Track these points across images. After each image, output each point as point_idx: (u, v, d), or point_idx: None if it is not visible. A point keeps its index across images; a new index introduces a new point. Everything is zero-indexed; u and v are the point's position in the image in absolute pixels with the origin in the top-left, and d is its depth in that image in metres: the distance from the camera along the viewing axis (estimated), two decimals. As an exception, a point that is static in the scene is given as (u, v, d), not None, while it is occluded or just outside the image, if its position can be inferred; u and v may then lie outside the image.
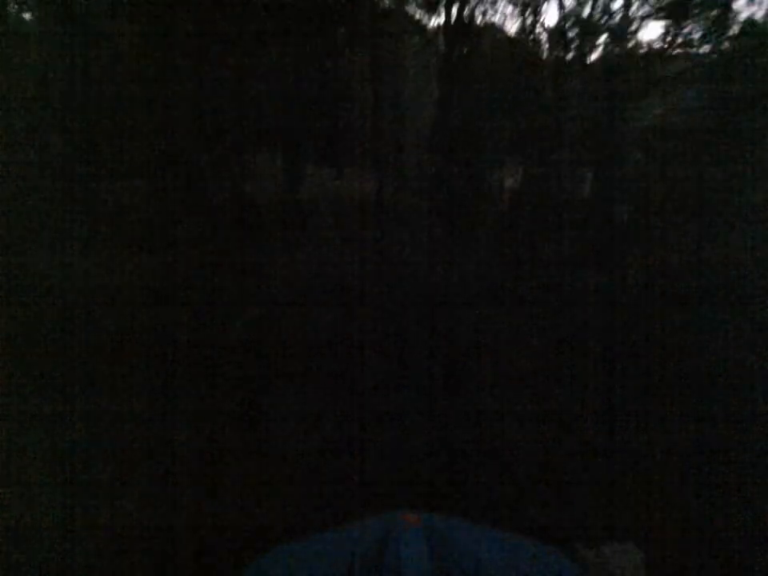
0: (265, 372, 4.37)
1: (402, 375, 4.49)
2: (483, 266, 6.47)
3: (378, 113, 7.90)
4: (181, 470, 3.34)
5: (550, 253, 6.87)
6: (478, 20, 8.53)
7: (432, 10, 8.92)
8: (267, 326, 4.92)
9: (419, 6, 9.03)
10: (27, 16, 6.42)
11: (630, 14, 8.08)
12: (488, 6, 8.63)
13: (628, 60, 8.16)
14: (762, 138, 6.70)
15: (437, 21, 9.06)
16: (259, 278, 5.34)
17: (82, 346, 3.96)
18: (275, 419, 3.88)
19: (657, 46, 8.15)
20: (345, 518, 1.60)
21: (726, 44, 7.60)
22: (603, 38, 8.45)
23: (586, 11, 8.31)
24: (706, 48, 7.74)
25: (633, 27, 8.20)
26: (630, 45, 8.54)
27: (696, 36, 7.75)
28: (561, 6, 8.56)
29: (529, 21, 8.64)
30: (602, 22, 8.31)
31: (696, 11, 7.68)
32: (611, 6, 8.32)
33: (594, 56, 8.52)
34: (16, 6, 5.79)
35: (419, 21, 9.19)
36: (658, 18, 7.90)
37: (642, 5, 7.93)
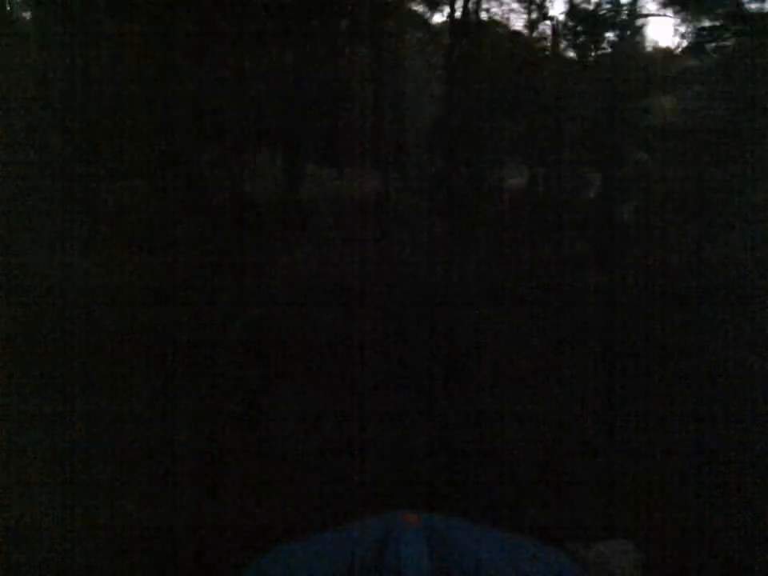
0: (265, 372, 4.37)
1: (402, 375, 4.50)
2: (485, 266, 6.47)
3: (379, 112, 7.90)
4: (181, 469, 3.34)
5: (552, 253, 6.87)
6: (483, 16, 8.49)
7: (435, 6, 8.90)
8: (267, 326, 4.92)
9: (422, 2, 9.01)
10: (27, 15, 6.42)
11: (638, 8, 8.03)
12: (492, 1, 8.59)
13: (636, 57, 8.12)
14: (762, 138, 6.71)
15: (440, 17, 9.04)
16: (259, 277, 5.34)
17: (81, 346, 3.96)
18: (275, 419, 3.88)
19: (665, 42, 8.14)
20: (345, 517, 1.60)
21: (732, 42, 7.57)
22: (611, 33, 8.40)
23: (594, 6, 8.26)
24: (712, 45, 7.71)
25: (641, 22, 8.16)
26: (639, 40, 8.49)
27: (704, 32, 7.71)
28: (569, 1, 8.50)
29: (535, 16, 8.60)
30: (611, 16, 8.25)
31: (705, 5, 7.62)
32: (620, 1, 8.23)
33: (601, 53, 8.48)
34: (10, 7, 5.79)
35: (422, 17, 9.16)
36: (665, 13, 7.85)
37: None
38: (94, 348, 4.02)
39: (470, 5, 8.19)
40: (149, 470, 3.27)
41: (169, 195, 5.68)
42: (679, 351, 4.89)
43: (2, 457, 3.14)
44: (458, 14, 8.33)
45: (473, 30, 8.35)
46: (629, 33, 8.39)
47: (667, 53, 8.39)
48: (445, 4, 8.61)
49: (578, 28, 8.44)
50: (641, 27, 8.53)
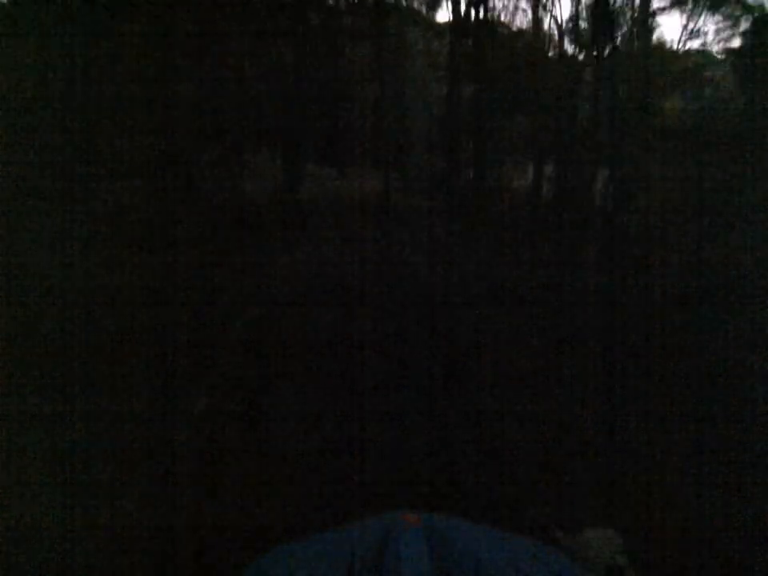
0: (265, 372, 4.37)
1: (402, 375, 4.50)
2: (486, 266, 6.47)
3: (380, 111, 7.88)
4: (181, 469, 3.34)
5: (553, 253, 6.87)
6: (488, 12, 8.46)
7: (436, 4, 8.88)
8: (267, 326, 4.92)
9: (423, 1, 8.98)
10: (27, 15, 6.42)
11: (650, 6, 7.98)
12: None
13: (646, 55, 8.08)
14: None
15: (443, 15, 9.05)
16: (260, 278, 5.34)
17: (81, 346, 3.96)
18: (275, 419, 3.88)
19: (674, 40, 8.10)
20: (345, 517, 1.60)
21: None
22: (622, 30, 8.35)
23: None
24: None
25: (651, 20, 8.11)
26: (649, 38, 8.42)
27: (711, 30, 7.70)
28: None
29: (541, 12, 8.57)
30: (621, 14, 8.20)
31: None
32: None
33: (609, 51, 8.43)
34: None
35: (424, 15, 9.14)
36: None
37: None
38: (94, 348, 4.02)
39: (473, 2, 8.17)
40: (149, 470, 3.27)
41: (169, 195, 5.68)
42: (679, 351, 4.89)
43: (2, 457, 3.14)
44: (461, 12, 8.30)
45: (476, 29, 8.32)
46: (637, 30, 8.34)
47: (675, 51, 8.35)
48: (447, 1, 8.60)
49: (584, 25, 8.40)
50: (649, 24, 8.48)
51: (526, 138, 8.32)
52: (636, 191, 7.29)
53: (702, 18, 8.00)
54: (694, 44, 8.15)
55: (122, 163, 5.55)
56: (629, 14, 8.33)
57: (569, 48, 8.73)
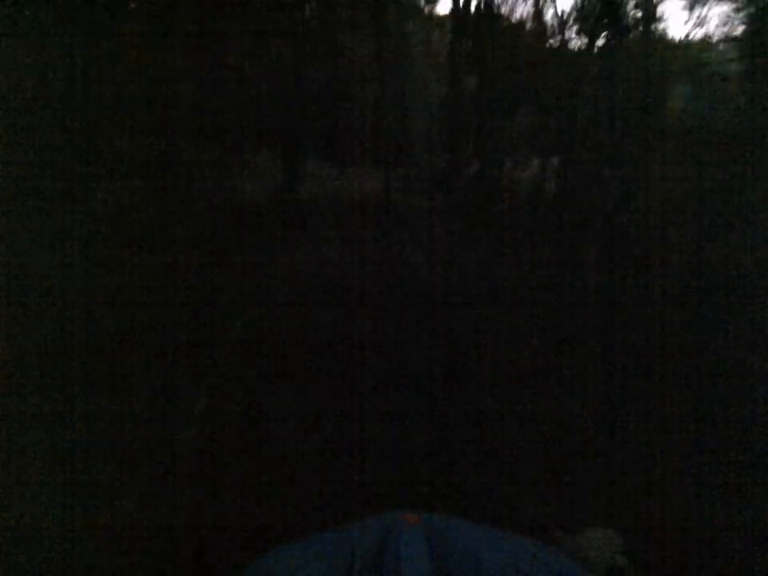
0: (265, 372, 4.37)
1: (402, 375, 4.50)
2: (488, 266, 6.46)
3: (382, 109, 7.85)
4: (181, 469, 3.34)
5: (561, 253, 6.86)
6: (491, 6, 8.39)
7: None
8: (267, 328, 4.92)
9: None
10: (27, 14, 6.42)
11: None
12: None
13: (652, 49, 7.98)
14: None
15: (443, 10, 8.98)
16: (260, 278, 5.34)
17: (81, 346, 3.96)
18: (275, 419, 3.88)
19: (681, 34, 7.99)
20: (345, 517, 1.60)
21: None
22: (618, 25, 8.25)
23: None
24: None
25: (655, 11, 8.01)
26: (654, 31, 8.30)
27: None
28: None
29: (544, 6, 8.49)
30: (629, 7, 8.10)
31: None
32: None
33: (614, 44, 8.34)
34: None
35: (424, 7, 9.07)
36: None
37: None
38: (94, 348, 4.02)
39: None
40: (149, 470, 3.27)
41: (168, 195, 5.68)
42: (679, 351, 4.89)
43: (2, 457, 3.14)
44: (461, 4, 8.25)
45: (478, 23, 8.26)
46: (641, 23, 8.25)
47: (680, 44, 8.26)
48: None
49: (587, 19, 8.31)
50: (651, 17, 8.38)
51: (531, 135, 8.26)
52: (642, 190, 7.25)
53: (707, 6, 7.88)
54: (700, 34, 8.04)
55: (122, 163, 5.55)
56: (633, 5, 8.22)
57: (572, 41, 8.64)
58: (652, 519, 3.06)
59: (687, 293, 5.70)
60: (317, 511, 2.93)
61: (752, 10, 7.61)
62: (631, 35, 8.30)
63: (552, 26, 8.76)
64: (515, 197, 8.02)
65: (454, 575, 1.21)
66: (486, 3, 8.21)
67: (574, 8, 8.46)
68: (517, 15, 8.75)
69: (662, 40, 8.53)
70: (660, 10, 8.15)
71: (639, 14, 8.24)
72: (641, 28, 8.26)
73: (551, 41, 8.84)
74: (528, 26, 8.83)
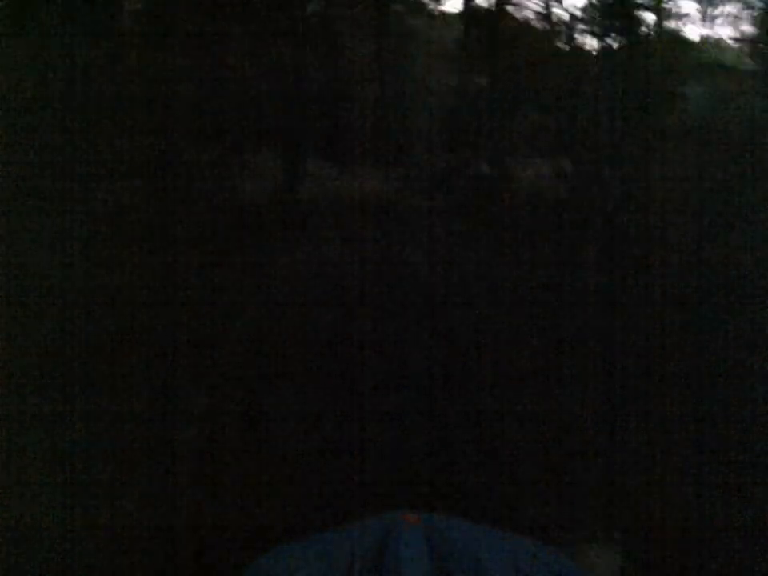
0: (265, 372, 4.37)
1: (402, 375, 4.50)
2: (489, 266, 6.45)
3: (387, 107, 7.81)
4: (181, 469, 3.34)
5: (554, 253, 6.84)
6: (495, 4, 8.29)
7: None
8: (267, 328, 4.92)
9: None
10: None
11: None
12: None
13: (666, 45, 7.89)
14: None
15: (450, 6, 8.86)
16: (260, 279, 5.34)
17: (81, 346, 3.96)
18: (275, 419, 3.88)
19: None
20: (345, 517, 1.60)
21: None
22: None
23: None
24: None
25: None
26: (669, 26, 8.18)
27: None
28: None
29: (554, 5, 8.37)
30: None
31: None
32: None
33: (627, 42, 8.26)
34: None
35: (431, 6, 8.97)
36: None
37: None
38: (94, 348, 4.02)
39: None
40: (149, 470, 3.27)
41: (168, 195, 5.68)
42: (679, 351, 4.89)
43: (2, 457, 3.14)
44: (468, 4, 8.17)
45: (485, 19, 8.18)
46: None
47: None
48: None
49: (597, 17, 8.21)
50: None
51: (536, 135, 8.19)
52: (654, 191, 7.18)
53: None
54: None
55: (121, 163, 5.56)
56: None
57: (582, 40, 8.52)
58: (652, 519, 3.06)
59: (687, 293, 5.70)
60: (317, 511, 2.93)
61: (761, 9, 7.58)
62: (644, 34, 8.26)
63: (562, 24, 8.65)
64: (522, 198, 7.97)
65: (453, 575, 1.21)
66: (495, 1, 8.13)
67: (585, 7, 8.35)
68: (525, 14, 8.65)
69: (676, 39, 8.42)
70: (674, 8, 8.03)
71: (652, 14, 8.19)
72: (654, 27, 8.19)
73: (561, 40, 8.73)
74: (537, 24, 8.72)
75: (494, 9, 8.21)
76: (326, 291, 5.55)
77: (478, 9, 8.23)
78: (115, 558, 2.71)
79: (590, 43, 8.47)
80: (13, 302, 3.97)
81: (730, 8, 7.85)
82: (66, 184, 4.93)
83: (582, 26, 8.34)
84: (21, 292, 4.03)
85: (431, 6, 8.89)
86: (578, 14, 8.31)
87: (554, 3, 8.26)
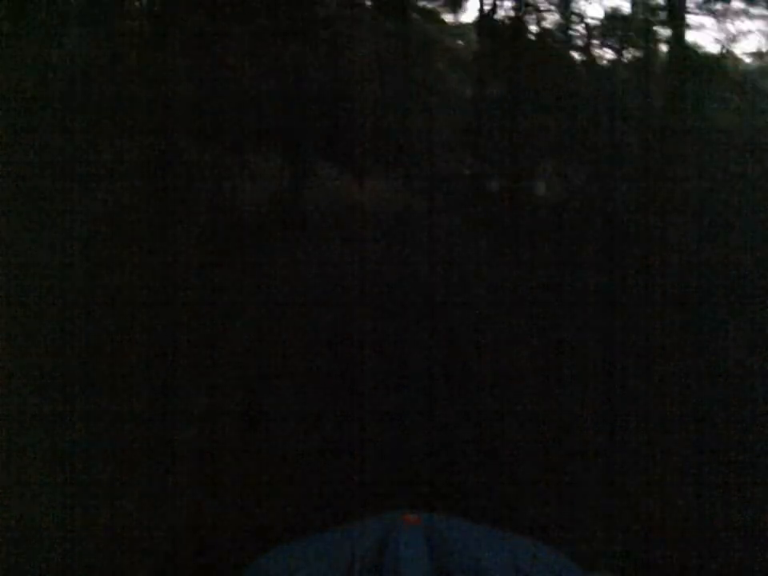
0: (265, 372, 4.37)
1: (402, 375, 4.50)
2: (490, 267, 6.45)
3: (403, 114, 7.78)
4: (181, 469, 3.34)
5: (554, 253, 6.83)
6: (510, 13, 8.25)
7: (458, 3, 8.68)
8: (267, 328, 4.92)
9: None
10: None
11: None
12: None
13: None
14: None
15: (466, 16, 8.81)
16: (261, 280, 5.33)
17: (81, 346, 3.96)
18: (275, 419, 3.88)
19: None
20: (345, 517, 1.60)
21: None
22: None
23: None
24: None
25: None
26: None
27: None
28: None
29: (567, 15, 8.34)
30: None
31: None
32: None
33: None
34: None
35: (446, 14, 8.91)
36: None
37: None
38: (94, 348, 4.02)
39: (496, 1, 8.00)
40: (149, 470, 3.27)
41: (169, 195, 5.68)
42: (679, 351, 4.89)
43: (2, 457, 3.14)
44: (485, 10, 8.13)
45: (500, 29, 8.16)
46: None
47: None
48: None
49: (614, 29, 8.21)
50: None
51: (554, 145, 8.11)
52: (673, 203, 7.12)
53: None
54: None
55: (122, 163, 5.55)
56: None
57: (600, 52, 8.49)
58: (652, 519, 3.06)
59: (687, 293, 5.70)
60: (317, 511, 2.93)
61: None
62: (662, 48, 8.25)
63: (579, 35, 8.58)
64: (534, 206, 7.92)
65: (453, 575, 1.21)
66: (514, 10, 8.07)
67: (603, 18, 8.30)
68: (544, 24, 8.58)
69: (695, 54, 8.37)
70: (693, 23, 7.97)
71: (669, 28, 8.16)
72: (672, 41, 8.15)
73: (578, 52, 8.67)
74: (554, 35, 8.64)
75: (515, 19, 8.17)
76: (326, 291, 5.55)
77: (496, 20, 8.18)
78: (115, 558, 2.71)
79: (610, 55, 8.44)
80: (13, 302, 3.97)
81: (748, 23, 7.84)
82: (66, 184, 4.92)
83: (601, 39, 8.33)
84: (21, 292, 4.03)
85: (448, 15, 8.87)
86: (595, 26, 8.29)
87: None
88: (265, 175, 6.86)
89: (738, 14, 7.81)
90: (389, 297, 5.63)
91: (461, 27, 8.98)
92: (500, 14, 8.17)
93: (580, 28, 8.35)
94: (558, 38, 8.44)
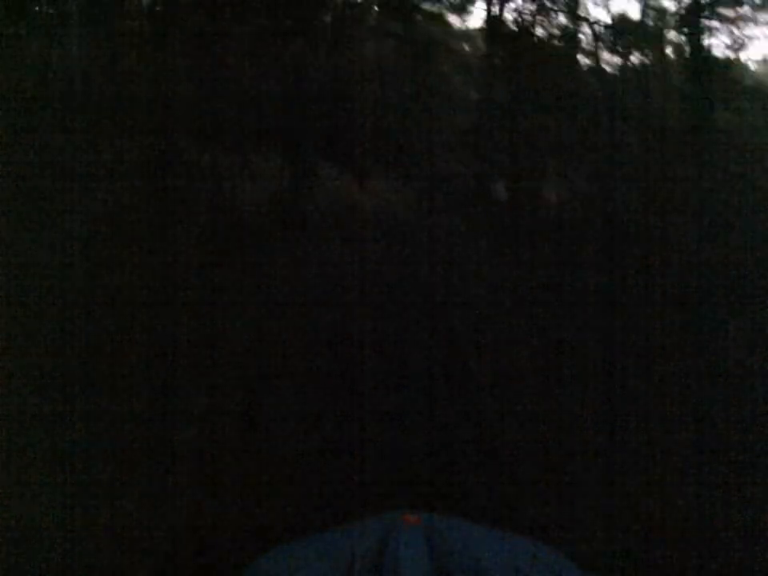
0: (265, 372, 4.37)
1: (402, 375, 4.49)
2: (490, 267, 6.44)
3: (407, 116, 7.76)
4: (181, 469, 3.34)
5: (554, 253, 6.82)
6: (516, 18, 8.23)
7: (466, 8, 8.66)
8: (267, 328, 4.92)
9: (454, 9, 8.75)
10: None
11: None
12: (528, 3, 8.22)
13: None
14: None
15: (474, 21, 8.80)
16: (261, 280, 5.33)
17: (81, 346, 3.96)
18: (275, 419, 3.88)
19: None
20: (345, 517, 1.60)
21: None
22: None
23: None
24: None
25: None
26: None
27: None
28: None
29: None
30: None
31: None
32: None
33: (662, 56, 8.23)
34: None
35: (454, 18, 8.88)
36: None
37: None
38: (94, 348, 4.02)
39: (505, 6, 7.99)
40: (149, 470, 3.27)
41: (168, 195, 5.68)
42: (679, 351, 4.89)
43: (2, 457, 3.14)
44: (493, 15, 8.12)
45: (507, 34, 8.15)
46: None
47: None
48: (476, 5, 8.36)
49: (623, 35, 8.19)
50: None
51: (560, 150, 8.08)
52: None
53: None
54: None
55: (122, 163, 5.55)
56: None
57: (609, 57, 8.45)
58: (652, 519, 3.06)
59: (687, 293, 5.70)
60: (317, 511, 2.93)
61: None
62: (673, 54, 8.23)
63: (587, 41, 8.53)
64: (534, 206, 7.89)
65: (453, 575, 1.21)
66: (520, 15, 8.02)
67: (612, 24, 8.25)
68: (551, 29, 8.52)
69: (707, 59, 8.30)
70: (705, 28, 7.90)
71: (682, 34, 8.11)
72: (685, 47, 8.11)
73: (587, 57, 8.62)
74: (562, 40, 8.58)
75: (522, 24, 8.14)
76: (326, 291, 5.55)
77: (504, 24, 8.14)
78: (115, 558, 2.71)
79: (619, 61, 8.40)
80: (13, 302, 3.96)
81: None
82: (66, 184, 4.92)
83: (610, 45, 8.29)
84: (21, 292, 4.03)
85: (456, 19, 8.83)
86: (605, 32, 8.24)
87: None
88: (265, 175, 6.86)
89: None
90: (389, 297, 5.62)
91: (466, 31, 8.98)
92: (507, 17, 8.14)
93: (601, 33, 8.30)
94: (567, 42, 8.41)
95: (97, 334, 4.12)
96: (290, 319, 5.00)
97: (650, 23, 8.21)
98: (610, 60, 8.61)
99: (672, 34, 8.31)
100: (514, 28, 8.18)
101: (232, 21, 6.89)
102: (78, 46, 5.80)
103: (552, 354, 4.98)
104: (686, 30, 7.97)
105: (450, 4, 8.78)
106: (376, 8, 8.29)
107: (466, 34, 9.06)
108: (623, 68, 8.50)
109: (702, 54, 7.90)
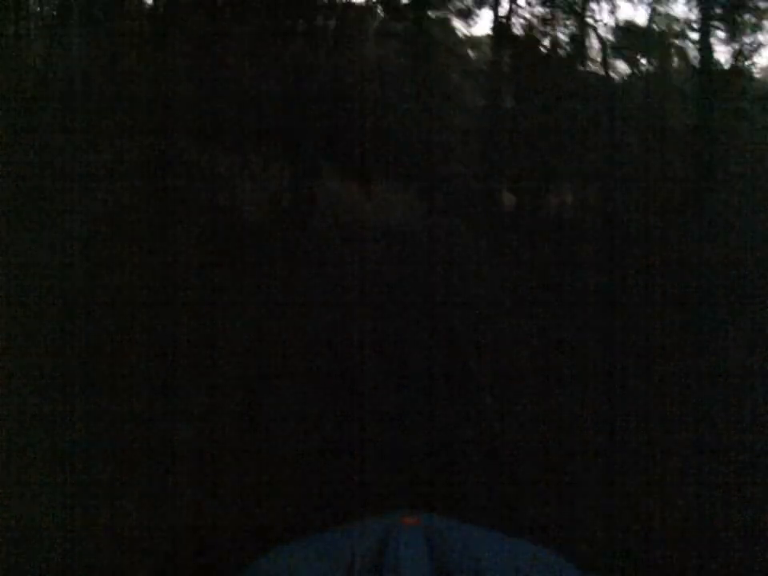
0: (265, 372, 4.37)
1: (402, 375, 4.49)
2: (491, 268, 6.43)
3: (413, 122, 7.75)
4: (181, 469, 3.34)
5: (554, 254, 6.82)
6: (521, 24, 8.21)
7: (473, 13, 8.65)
8: (267, 328, 4.91)
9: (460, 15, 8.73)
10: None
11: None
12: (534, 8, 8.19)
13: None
14: None
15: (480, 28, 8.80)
16: (261, 283, 5.32)
17: (81, 346, 3.96)
18: (275, 419, 3.88)
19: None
20: (345, 517, 1.60)
21: None
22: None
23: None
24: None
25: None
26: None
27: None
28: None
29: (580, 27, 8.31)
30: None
31: None
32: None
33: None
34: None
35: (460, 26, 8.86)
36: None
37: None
38: (94, 348, 4.02)
39: (511, 13, 7.98)
40: (149, 470, 3.27)
41: (168, 195, 5.68)
42: (679, 351, 4.89)
43: (2, 457, 3.14)
44: (500, 21, 8.10)
45: (513, 40, 8.13)
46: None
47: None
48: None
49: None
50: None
51: (568, 162, 8.02)
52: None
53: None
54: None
55: (121, 163, 5.55)
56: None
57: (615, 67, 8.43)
58: (652, 519, 3.06)
59: (687, 293, 5.70)
60: (317, 511, 2.93)
61: None
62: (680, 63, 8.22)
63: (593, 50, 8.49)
64: (534, 207, 7.86)
65: (453, 575, 1.21)
66: (527, 22, 8.00)
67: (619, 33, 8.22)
68: (558, 38, 8.49)
69: (712, 67, 8.28)
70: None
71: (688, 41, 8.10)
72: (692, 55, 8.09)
73: (593, 66, 8.59)
74: (569, 49, 8.54)
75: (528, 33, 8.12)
76: (326, 291, 5.55)
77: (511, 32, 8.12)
78: (115, 558, 2.71)
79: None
80: (13, 302, 3.96)
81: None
82: (66, 184, 4.92)
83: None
84: (21, 292, 4.03)
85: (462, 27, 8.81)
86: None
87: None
88: (265, 176, 6.86)
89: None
90: (389, 297, 5.62)
91: (472, 37, 8.97)
92: (516, 23, 8.13)
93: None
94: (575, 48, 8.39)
95: (97, 333, 4.12)
96: (290, 319, 5.00)
97: (657, 29, 8.21)
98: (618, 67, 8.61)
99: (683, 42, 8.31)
100: (521, 33, 8.16)
101: (232, 21, 6.90)
102: (78, 45, 5.80)
103: (552, 355, 4.98)
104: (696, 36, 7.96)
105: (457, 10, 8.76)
106: (375, 6, 8.29)
107: (471, 40, 9.06)
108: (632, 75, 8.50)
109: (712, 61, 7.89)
